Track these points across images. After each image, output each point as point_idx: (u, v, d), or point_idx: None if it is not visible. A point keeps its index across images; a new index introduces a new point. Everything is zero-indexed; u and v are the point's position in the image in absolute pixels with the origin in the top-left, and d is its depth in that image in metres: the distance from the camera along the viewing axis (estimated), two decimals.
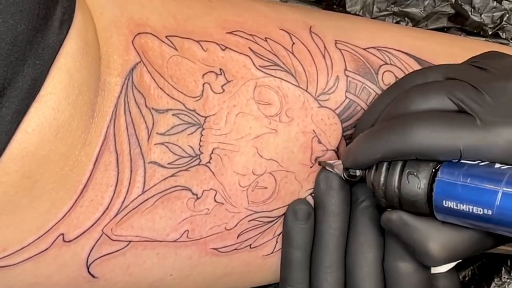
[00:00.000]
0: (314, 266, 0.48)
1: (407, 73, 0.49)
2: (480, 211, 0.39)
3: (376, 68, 0.50)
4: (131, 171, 0.44)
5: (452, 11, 0.64)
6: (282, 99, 0.48)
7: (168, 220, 0.45)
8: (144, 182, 0.44)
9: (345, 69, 0.49)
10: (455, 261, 0.43)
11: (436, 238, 0.42)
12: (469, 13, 0.63)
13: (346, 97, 0.49)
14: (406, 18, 0.64)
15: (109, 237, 0.44)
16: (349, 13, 0.64)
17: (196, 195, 0.46)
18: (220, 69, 0.47)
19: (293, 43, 0.49)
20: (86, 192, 0.42)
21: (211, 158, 0.46)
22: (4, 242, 0.42)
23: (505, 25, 0.63)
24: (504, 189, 0.38)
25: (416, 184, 0.42)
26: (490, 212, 0.39)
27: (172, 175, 0.45)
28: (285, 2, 0.64)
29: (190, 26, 0.47)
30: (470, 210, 0.40)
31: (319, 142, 0.48)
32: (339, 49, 0.49)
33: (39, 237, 0.42)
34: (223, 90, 0.46)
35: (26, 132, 0.38)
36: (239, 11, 0.49)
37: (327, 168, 0.48)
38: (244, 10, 0.50)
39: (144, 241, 0.45)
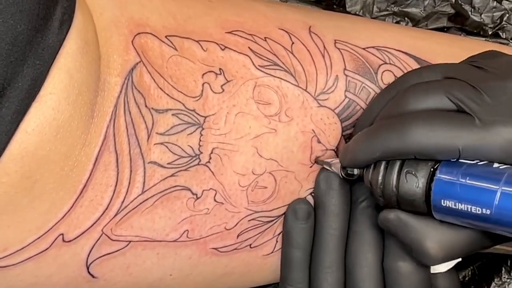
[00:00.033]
0: (314, 266, 0.48)
1: (406, 72, 0.49)
2: (478, 210, 0.39)
3: (376, 67, 0.50)
4: (130, 171, 0.44)
5: (452, 11, 0.64)
6: (282, 98, 0.48)
7: (168, 220, 0.45)
8: (144, 182, 0.44)
9: (345, 69, 0.49)
10: (452, 259, 0.43)
11: (433, 237, 0.42)
12: (469, 13, 0.63)
13: (346, 97, 0.49)
14: (406, 18, 0.64)
15: (108, 237, 0.44)
16: (349, 13, 0.64)
17: (196, 195, 0.46)
18: (220, 69, 0.47)
19: (293, 43, 0.49)
20: (86, 192, 0.42)
21: (210, 158, 0.46)
22: (5, 242, 0.42)
23: (505, 25, 0.63)
24: (503, 188, 0.38)
25: (414, 183, 0.42)
26: (488, 212, 0.39)
27: (172, 175, 0.45)
28: (285, 2, 0.64)
29: (190, 26, 0.47)
30: (469, 210, 0.40)
31: (319, 141, 0.49)
32: (339, 49, 0.49)
33: (39, 237, 0.42)
34: (223, 90, 0.46)
35: (26, 132, 0.38)
36: (239, 11, 0.49)
37: (324, 166, 0.48)
38: (244, 10, 0.50)
39: (143, 241, 0.45)
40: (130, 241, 0.45)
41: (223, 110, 0.46)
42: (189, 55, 0.46)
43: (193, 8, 0.48)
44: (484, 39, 0.63)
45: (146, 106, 0.44)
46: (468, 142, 0.41)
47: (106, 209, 0.43)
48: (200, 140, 0.46)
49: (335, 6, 0.64)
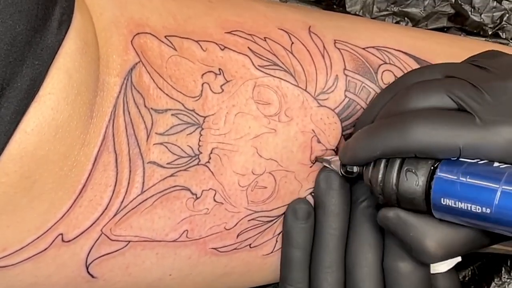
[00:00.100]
0: (314, 266, 0.48)
1: (407, 71, 0.49)
2: (478, 209, 0.39)
3: (376, 67, 0.50)
4: (130, 171, 0.44)
5: (452, 11, 0.64)
6: (281, 98, 0.48)
7: (167, 220, 0.45)
8: (143, 182, 0.44)
9: (344, 69, 0.49)
10: (452, 258, 0.43)
11: (433, 235, 0.42)
12: (469, 13, 0.63)
13: (346, 96, 0.49)
14: (406, 18, 0.64)
15: (108, 237, 0.44)
16: (349, 13, 0.64)
17: (196, 195, 0.46)
18: (219, 69, 0.47)
19: (292, 43, 0.49)
20: (85, 192, 0.42)
21: (210, 158, 0.46)
22: (4, 242, 0.42)
23: (505, 25, 0.63)
24: (503, 187, 0.38)
25: (414, 181, 0.42)
26: (488, 211, 0.39)
27: (171, 175, 0.45)
28: (285, 2, 0.64)
29: (190, 26, 0.47)
30: (468, 208, 0.40)
31: (319, 141, 0.48)
32: (338, 49, 0.49)
33: (38, 237, 0.42)
34: (222, 90, 0.46)
35: (25, 132, 0.38)
36: (239, 11, 0.49)
37: (324, 164, 0.48)
38: (244, 10, 0.50)
39: (143, 241, 0.45)
40: (129, 241, 0.45)
41: (222, 110, 0.46)
42: (189, 55, 0.46)
43: (193, 8, 0.48)
44: (484, 39, 0.63)
45: (145, 106, 0.44)
46: (469, 141, 0.41)
47: (106, 209, 0.43)
48: (199, 140, 0.46)
49: (335, 6, 0.64)
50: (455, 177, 0.40)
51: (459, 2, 0.63)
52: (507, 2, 0.63)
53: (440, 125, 0.41)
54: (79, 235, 0.43)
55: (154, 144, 0.44)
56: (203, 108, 0.46)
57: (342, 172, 0.46)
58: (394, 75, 0.50)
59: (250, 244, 0.48)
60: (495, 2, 0.63)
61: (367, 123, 0.46)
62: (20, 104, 0.37)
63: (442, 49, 0.52)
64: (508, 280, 0.61)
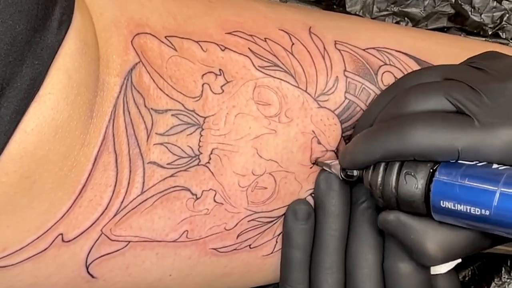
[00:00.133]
0: (314, 267, 0.48)
1: (406, 73, 0.49)
2: (477, 211, 0.39)
3: (376, 68, 0.50)
4: (130, 171, 0.44)
5: (452, 11, 0.64)
6: (282, 99, 0.48)
7: (167, 220, 0.45)
8: (143, 183, 0.44)
9: (345, 70, 0.49)
10: (452, 260, 0.43)
11: (433, 238, 0.42)
12: (469, 13, 0.63)
13: (346, 98, 0.49)
14: (406, 18, 0.64)
15: (108, 237, 0.44)
16: (349, 13, 0.64)
17: (196, 195, 0.46)
18: (220, 69, 0.47)
19: (293, 44, 0.49)
20: (85, 192, 0.42)
21: (210, 159, 0.46)
22: (4, 242, 0.42)
23: (505, 25, 0.63)
24: (502, 189, 0.38)
25: (414, 184, 0.42)
26: (487, 213, 0.39)
27: (171, 175, 0.45)
28: (285, 2, 0.64)
29: (190, 26, 0.47)
30: (468, 211, 0.40)
31: (319, 142, 0.48)
32: (339, 50, 0.49)
33: (38, 237, 0.42)
34: (223, 91, 0.46)
35: (25, 132, 0.38)
36: (239, 12, 0.49)
37: (324, 168, 0.48)
38: (244, 11, 0.50)
39: (143, 241, 0.45)
40: (129, 241, 0.45)
41: (222, 110, 0.46)
42: (189, 56, 0.46)
43: (193, 8, 0.48)
44: (484, 39, 0.63)
45: (145, 106, 0.44)
46: (467, 143, 0.41)
47: (105, 209, 0.43)
48: (199, 141, 0.46)
49: (335, 6, 0.64)
50: (454, 180, 0.40)
51: (459, 2, 0.63)
52: (507, 2, 0.63)
53: (439, 128, 0.41)
54: (79, 235, 0.43)
55: (154, 144, 0.44)
56: (203, 108, 0.46)
57: (342, 176, 0.46)
58: (394, 76, 0.50)
59: (250, 245, 0.48)
60: (495, 2, 0.63)
61: (366, 126, 0.46)
62: (20, 104, 0.37)
63: (442, 50, 0.52)
64: (508, 280, 0.61)
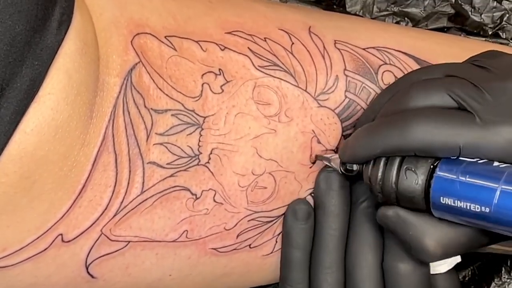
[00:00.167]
0: (314, 267, 0.48)
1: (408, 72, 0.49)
2: (477, 208, 0.39)
3: (376, 68, 0.50)
4: (129, 171, 0.44)
5: (452, 11, 0.64)
6: (281, 99, 0.48)
7: (167, 220, 0.45)
8: (143, 183, 0.44)
9: (345, 69, 0.49)
10: (451, 257, 0.43)
11: (432, 234, 0.42)
12: (469, 13, 0.63)
13: (346, 97, 0.49)
14: (406, 18, 0.64)
15: (108, 238, 0.44)
16: (349, 13, 0.64)
17: (195, 195, 0.46)
18: (219, 69, 0.47)
19: (292, 43, 0.49)
20: (84, 193, 0.42)
21: (210, 158, 0.46)
22: (4, 242, 0.42)
23: (505, 25, 0.63)
24: (503, 187, 0.38)
25: (414, 180, 0.42)
26: (487, 210, 0.39)
27: (171, 175, 0.45)
28: (285, 2, 0.64)
29: (190, 26, 0.47)
30: (468, 208, 0.39)
31: (319, 142, 0.48)
32: (339, 49, 0.49)
33: (38, 237, 0.42)
34: (222, 90, 0.46)
35: (25, 132, 0.38)
36: (239, 12, 0.49)
37: (324, 162, 0.48)
38: (244, 11, 0.50)
39: (143, 241, 0.45)
40: (129, 242, 0.45)
41: (222, 110, 0.46)
42: (189, 56, 0.46)
43: (193, 8, 0.48)
44: (484, 39, 0.63)
45: (145, 106, 0.44)
46: (469, 140, 0.41)
47: (105, 209, 0.43)
48: (199, 141, 0.46)
49: (335, 6, 0.64)
50: (455, 176, 0.40)
51: (459, 2, 0.63)
52: (507, 2, 0.63)
53: (441, 123, 0.41)
54: (79, 235, 0.43)
55: (154, 144, 0.44)
56: (203, 108, 0.46)
57: (342, 170, 0.46)
58: (394, 75, 0.50)
59: (250, 245, 0.48)
60: (495, 2, 0.63)
61: (367, 123, 0.46)
62: (19, 105, 0.37)
63: (442, 50, 0.52)
64: (508, 280, 0.61)
